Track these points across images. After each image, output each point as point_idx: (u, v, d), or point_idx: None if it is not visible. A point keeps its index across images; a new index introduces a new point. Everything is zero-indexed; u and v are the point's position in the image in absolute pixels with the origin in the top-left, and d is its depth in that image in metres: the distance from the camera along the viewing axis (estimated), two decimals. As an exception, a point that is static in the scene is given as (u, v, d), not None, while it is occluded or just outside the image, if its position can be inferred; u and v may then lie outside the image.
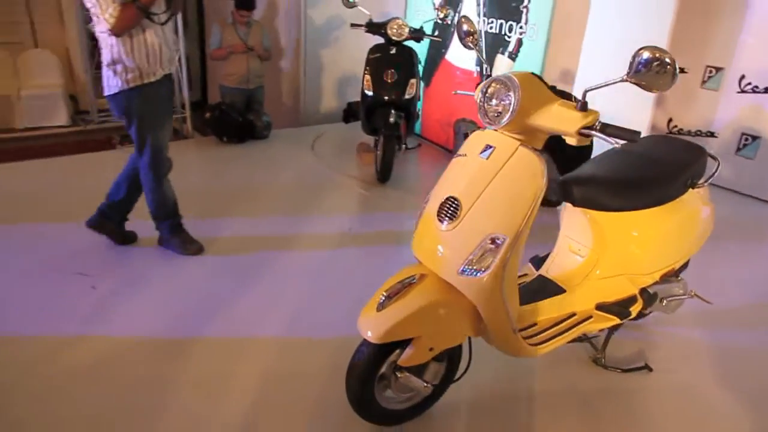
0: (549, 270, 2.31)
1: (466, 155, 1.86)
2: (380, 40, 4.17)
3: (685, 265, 2.48)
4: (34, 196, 3.79)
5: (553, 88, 3.80)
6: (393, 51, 4.06)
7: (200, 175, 4.39)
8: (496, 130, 1.80)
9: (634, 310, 2.23)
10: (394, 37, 4.03)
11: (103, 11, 2.53)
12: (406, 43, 4.21)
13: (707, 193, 2.42)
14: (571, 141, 1.71)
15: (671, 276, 2.33)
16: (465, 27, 2.05)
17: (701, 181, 2.28)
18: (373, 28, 4.10)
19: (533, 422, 2.12)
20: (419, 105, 5.13)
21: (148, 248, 3.14)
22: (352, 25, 4.23)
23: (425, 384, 1.87)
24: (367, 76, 4.06)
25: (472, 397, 2.20)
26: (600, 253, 2.20)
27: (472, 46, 2.05)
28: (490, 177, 1.76)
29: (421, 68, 5.01)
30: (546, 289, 2.22)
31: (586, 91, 1.66)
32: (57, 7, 6.38)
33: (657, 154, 2.30)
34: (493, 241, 1.72)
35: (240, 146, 4.91)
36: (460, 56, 4.70)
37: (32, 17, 6.56)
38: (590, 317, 2.17)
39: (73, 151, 5.11)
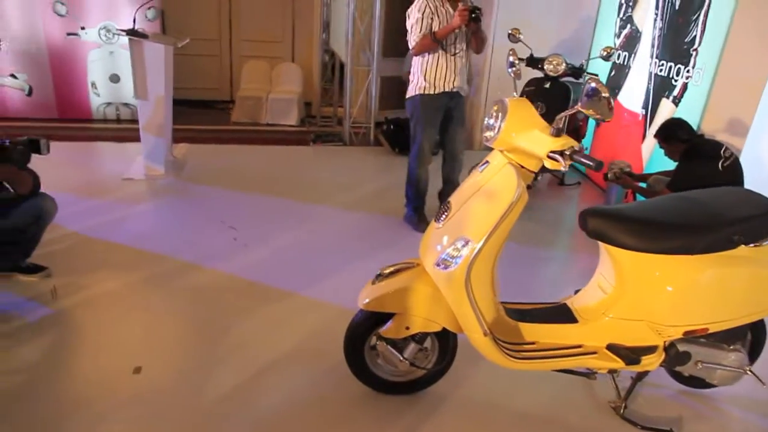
0: (575, 301, 2.32)
1: (475, 168, 2.11)
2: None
3: (744, 333, 2.21)
4: (250, 171, 4.97)
5: (701, 137, 3.55)
6: (547, 85, 4.19)
7: (358, 175, 5.13)
8: (501, 151, 2.01)
9: (650, 361, 2.13)
10: (550, 73, 4.17)
11: (411, 36, 3.57)
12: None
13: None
14: (548, 164, 1.83)
15: (700, 337, 2.13)
16: (511, 58, 2.27)
17: (763, 241, 2.06)
18: (533, 63, 4.29)
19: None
20: (587, 143, 5.09)
21: (295, 221, 3.92)
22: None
23: (401, 359, 2.14)
24: (519, 107, 4.27)
25: (461, 398, 2.36)
26: (621, 292, 2.15)
27: (513, 75, 2.26)
28: (477, 187, 1.99)
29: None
30: (561, 315, 2.25)
31: (558, 118, 1.78)
32: (310, 30, 7.88)
33: (716, 204, 2.14)
34: (466, 242, 1.94)
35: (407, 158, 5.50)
36: (630, 98, 4.56)
37: (294, 37, 8.23)
38: (594, 353, 2.16)
39: (292, 144, 6.35)
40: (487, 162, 2.02)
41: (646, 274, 2.07)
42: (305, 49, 8.09)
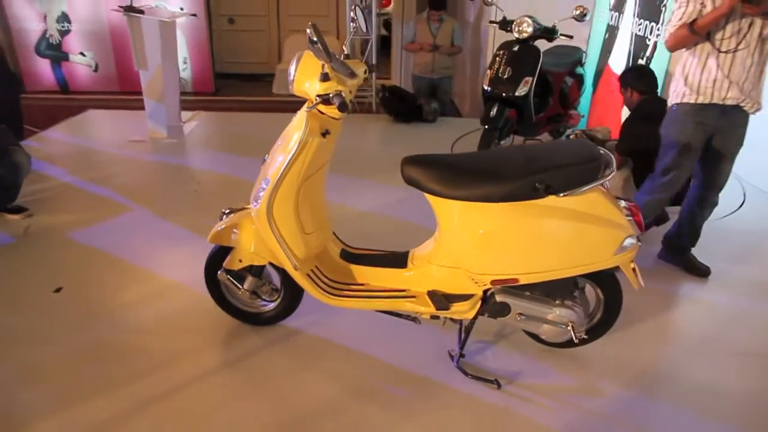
0: (417, 249, 2.38)
1: (298, 118, 2.26)
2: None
3: (570, 288, 2.16)
4: (253, 137, 5.25)
5: (653, 95, 3.30)
6: (515, 48, 4.09)
7: (353, 141, 5.15)
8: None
9: (461, 308, 2.16)
10: (517, 35, 4.06)
11: (669, 24, 2.65)
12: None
13: (604, 206, 2.02)
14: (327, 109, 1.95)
15: (525, 290, 2.12)
16: (352, 12, 2.35)
17: (580, 191, 1.97)
18: (505, 26, 4.20)
19: (322, 370, 2.33)
20: (584, 110, 4.89)
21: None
22: (491, 21, 4.39)
23: (240, 288, 2.35)
24: (489, 71, 4.21)
25: (294, 333, 2.51)
26: (440, 240, 2.19)
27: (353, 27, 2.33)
28: (285, 133, 2.15)
29: (590, 73, 4.78)
30: (395, 262, 2.34)
31: (322, 65, 1.89)
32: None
33: (537, 154, 2.12)
34: (267, 182, 2.11)
35: (403, 125, 5.59)
36: (617, 61, 4.31)
37: (338, 11, 8.49)
38: (413, 297, 2.23)
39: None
40: (298, 111, 2.17)
41: (457, 221, 2.10)
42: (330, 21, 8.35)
